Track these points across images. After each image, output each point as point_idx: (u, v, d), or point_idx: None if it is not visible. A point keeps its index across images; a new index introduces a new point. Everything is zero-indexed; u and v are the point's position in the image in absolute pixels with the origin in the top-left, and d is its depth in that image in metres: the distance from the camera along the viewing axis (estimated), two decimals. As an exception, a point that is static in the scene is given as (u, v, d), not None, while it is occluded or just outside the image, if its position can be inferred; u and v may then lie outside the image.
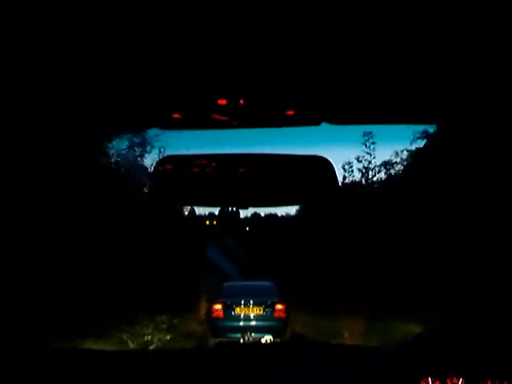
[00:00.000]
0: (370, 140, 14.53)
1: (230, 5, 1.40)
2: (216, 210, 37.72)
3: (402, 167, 13.85)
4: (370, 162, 14.83)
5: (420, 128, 11.31)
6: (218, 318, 9.41)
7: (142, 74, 1.73)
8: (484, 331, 1.36)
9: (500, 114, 1.99)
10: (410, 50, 1.58)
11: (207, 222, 34.31)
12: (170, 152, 14.20)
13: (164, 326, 10.07)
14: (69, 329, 7.61)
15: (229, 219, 34.78)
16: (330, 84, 1.76)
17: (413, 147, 12.86)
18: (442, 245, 9.33)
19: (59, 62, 1.64)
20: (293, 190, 1.98)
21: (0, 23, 1.42)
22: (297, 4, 1.40)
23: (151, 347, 8.49)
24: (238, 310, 9.41)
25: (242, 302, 9.42)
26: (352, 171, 15.29)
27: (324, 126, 1.92)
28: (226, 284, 11.46)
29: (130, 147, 13.08)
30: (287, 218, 26.28)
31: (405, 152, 13.54)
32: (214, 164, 1.91)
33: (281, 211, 32.95)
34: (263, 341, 7.57)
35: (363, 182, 15.11)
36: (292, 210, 25.80)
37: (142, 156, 13.45)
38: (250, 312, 9.41)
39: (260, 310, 9.43)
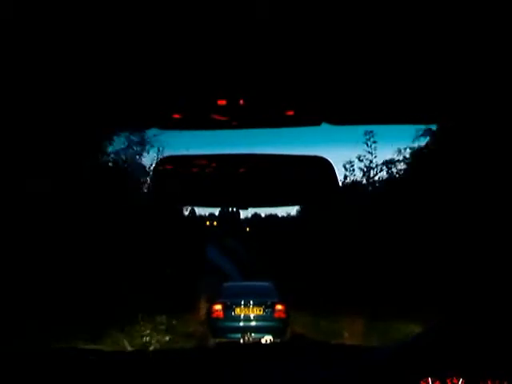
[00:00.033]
0: (372, 139, 14.49)
1: (230, 5, 1.40)
2: (216, 211, 37.81)
3: (405, 166, 13.77)
4: (371, 162, 14.80)
5: (422, 126, 11.25)
6: (218, 319, 9.42)
7: (142, 74, 1.73)
8: (484, 331, 1.36)
9: (503, 113, 1.99)
10: (410, 49, 1.58)
11: (207, 223, 34.33)
12: (168, 151, 14.20)
13: (163, 327, 10.05)
14: (68, 329, 7.61)
15: (229, 220, 34.80)
16: (330, 84, 1.76)
17: (415, 145, 12.77)
18: (443, 245, 9.32)
19: (59, 61, 1.64)
20: (293, 190, 1.98)
21: (0, 23, 1.43)
22: (297, 4, 1.40)
23: (150, 348, 8.48)
24: (237, 310, 9.42)
25: (242, 303, 9.43)
26: (353, 170, 15.24)
27: (324, 126, 1.92)
28: (225, 284, 11.47)
29: (129, 146, 13.06)
30: (287, 218, 26.31)
31: (408, 150, 13.43)
32: (214, 164, 1.92)
33: (281, 212, 33.02)
34: (263, 341, 7.56)
35: (364, 181, 15.07)
36: (292, 210, 25.85)
37: (140, 155, 13.43)
38: (249, 312, 9.42)
39: (260, 311, 9.44)
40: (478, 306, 1.46)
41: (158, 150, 13.32)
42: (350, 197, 13.41)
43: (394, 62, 1.65)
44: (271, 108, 1.87)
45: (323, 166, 1.90)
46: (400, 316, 8.92)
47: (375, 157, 14.74)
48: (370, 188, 15.00)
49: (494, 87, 1.72)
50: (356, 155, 14.99)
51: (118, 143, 12.66)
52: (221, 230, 33.22)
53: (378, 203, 13.04)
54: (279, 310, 9.47)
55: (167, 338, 9.54)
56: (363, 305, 10.20)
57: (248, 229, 35.46)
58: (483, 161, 7.60)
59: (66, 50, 1.58)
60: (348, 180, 15.20)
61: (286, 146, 27.02)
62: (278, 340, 8.30)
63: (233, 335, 8.94)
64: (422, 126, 11.39)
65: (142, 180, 13.69)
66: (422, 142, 12.29)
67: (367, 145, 14.57)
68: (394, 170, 14.25)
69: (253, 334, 8.70)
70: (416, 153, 12.88)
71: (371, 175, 14.84)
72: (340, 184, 2.04)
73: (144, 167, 13.59)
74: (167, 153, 14.01)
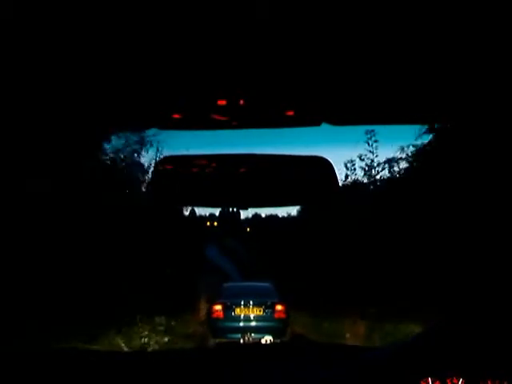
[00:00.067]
0: (373, 138, 14.43)
1: (230, 5, 1.40)
2: (216, 211, 37.80)
3: (407, 164, 13.68)
4: (372, 161, 14.77)
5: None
6: (218, 319, 9.42)
7: (142, 75, 1.73)
8: (484, 331, 1.36)
9: (505, 112, 1.98)
10: (410, 49, 1.58)
11: (208, 223, 34.34)
12: (168, 151, 14.17)
13: (162, 328, 10.03)
14: (68, 329, 7.60)
15: (229, 220, 34.79)
16: (330, 84, 1.76)
17: (418, 142, 12.67)
18: (443, 245, 9.31)
19: (59, 61, 1.64)
20: (293, 190, 1.98)
21: (0, 23, 1.43)
22: (297, 4, 1.40)
23: (149, 349, 8.46)
24: (237, 310, 9.42)
25: (242, 303, 9.43)
26: (354, 169, 15.20)
27: (324, 126, 1.93)
28: (225, 285, 11.47)
29: (128, 146, 13.03)
30: (288, 218, 26.26)
31: (411, 147, 13.32)
32: (214, 164, 1.92)
33: (281, 212, 32.97)
34: (263, 341, 7.57)
35: (366, 180, 15.03)
36: (293, 210, 25.81)
37: (139, 154, 13.40)
38: (249, 313, 9.42)
39: (260, 311, 9.44)
40: (478, 306, 1.46)
41: (157, 150, 13.32)
42: (351, 196, 13.37)
43: (394, 62, 1.65)
44: (271, 108, 1.87)
45: (323, 166, 1.90)
46: (400, 316, 8.91)
47: (376, 156, 14.68)
48: (372, 187, 14.96)
49: (495, 86, 1.73)
50: (357, 154, 14.96)
51: (118, 143, 12.67)
52: (221, 230, 33.22)
53: (379, 203, 13.00)
54: (279, 311, 9.47)
55: (166, 339, 9.50)
56: (364, 305, 10.19)
57: (248, 229, 35.43)
58: (488, 160, 7.56)
59: (65, 50, 1.58)
60: (349, 179, 15.17)
61: (286, 146, 27.03)
62: (278, 340, 8.31)
63: (233, 335, 8.93)
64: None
65: (141, 180, 13.69)
66: (425, 139, 12.20)
67: (368, 144, 14.55)
68: (396, 168, 14.18)
69: (253, 335, 8.69)
70: (419, 151, 12.76)
71: (373, 174, 14.80)
72: (341, 183, 2.04)
73: (143, 167, 13.60)
74: (167, 152, 14.00)
